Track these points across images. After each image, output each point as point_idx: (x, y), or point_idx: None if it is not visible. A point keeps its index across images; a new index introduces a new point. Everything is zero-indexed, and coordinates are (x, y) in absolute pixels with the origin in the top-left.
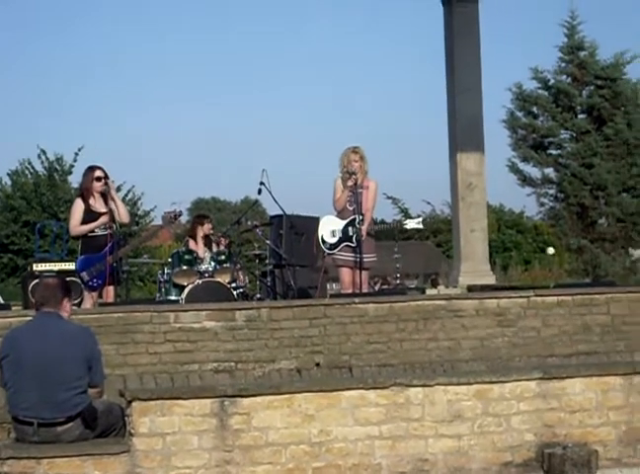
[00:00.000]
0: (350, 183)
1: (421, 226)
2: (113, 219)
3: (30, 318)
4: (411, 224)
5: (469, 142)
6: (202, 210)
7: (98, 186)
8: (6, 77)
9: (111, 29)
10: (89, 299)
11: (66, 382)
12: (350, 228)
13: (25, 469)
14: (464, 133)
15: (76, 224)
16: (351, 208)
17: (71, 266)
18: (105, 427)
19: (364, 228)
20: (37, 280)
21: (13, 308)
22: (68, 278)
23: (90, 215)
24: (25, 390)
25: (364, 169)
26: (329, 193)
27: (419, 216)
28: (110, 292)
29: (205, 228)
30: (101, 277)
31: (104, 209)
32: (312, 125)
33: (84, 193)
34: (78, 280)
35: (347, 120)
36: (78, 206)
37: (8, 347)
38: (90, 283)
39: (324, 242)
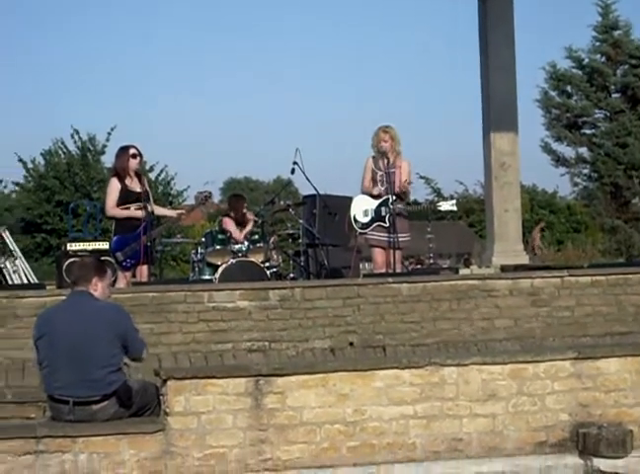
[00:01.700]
0: (382, 162)
1: (455, 208)
2: (146, 199)
3: (63, 297)
4: (445, 206)
5: (503, 122)
6: (236, 190)
7: (134, 163)
8: (39, 56)
9: (143, 5)
10: (122, 279)
11: (100, 360)
12: (383, 208)
13: (60, 448)
14: (498, 113)
15: (112, 205)
16: (383, 188)
17: (105, 245)
18: (140, 405)
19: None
20: (70, 260)
21: (47, 288)
22: (102, 258)
23: (127, 195)
24: (59, 369)
25: (396, 149)
26: (361, 172)
27: (452, 197)
28: (144, 272)
29: (241, 208)
30: (135, 257)
31: (139, 189)
32: (347, 105)
33: (120, 172)
34: (112, 260)
35: (381, 100)
36: (114, 186)
37: (42, 327)
38: (124, 263)
39: (356, 222)
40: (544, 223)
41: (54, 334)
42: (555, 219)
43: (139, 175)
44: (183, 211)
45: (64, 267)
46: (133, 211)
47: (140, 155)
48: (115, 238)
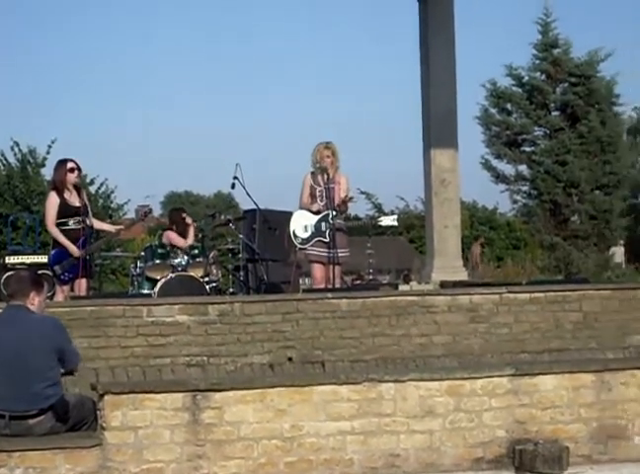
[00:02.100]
0: (321, 178)
1: (396, 223)
2: (85, 213)
3: (0, 310)
4: (386, 221)
5: (443, 138)
6: (176, 204)
7: (72, 177)
8: None
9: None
10: (60, 293)
11: (37, 374)
12: (323, 223)
13: None
14: (438, 129)
15: (52, 221)
16: (322, 203)
17: (44, 258)
18: (77, 420)
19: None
20: (8, 273)
21: None
22: (40, 272)
23: (66, 209)
24: None
25: (336, 164)
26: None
27: (393, 213)
28: (82, 285)
29: (184, 215)
30: (73, 271)
31: (78, 203)
32: (286, 119)
33: (58, 186)
34: (50, 274)
35: (320, 115)
36: (53, 201)
37: None
38: (62, 277)
39: (296, 237)
40: (483, 239)
41: None
42: (495, 236)
43: (78, 188)
44: (122, 227)
45: (2, 280)
46: (69, 244)
47: (79, 169)
48: (53, 251)
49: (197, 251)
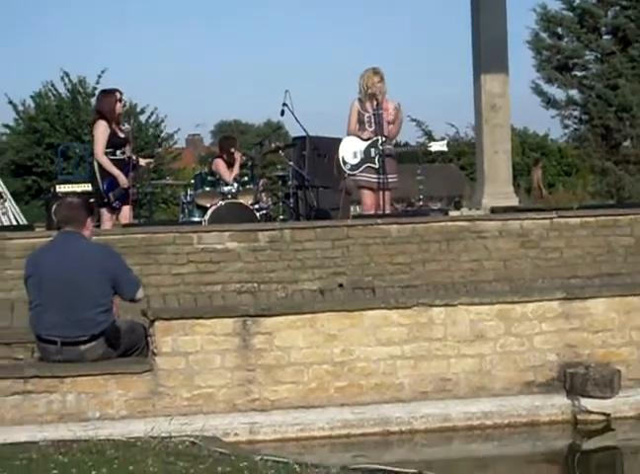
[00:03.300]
0: (369, 104)
1: (445, 149)
2: (128, 144)
3: (52, 238)
4: (435, 147)
5: (493, 63)
6: (226, 133)
7: (119, 108)
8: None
9: None
10: (109, 221)
11: (89, 301)
12: (372, 149)
13: (48, 388)
14: (488, 54)
15: (102, 151)
16: (371, 129)
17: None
18: (128, 346)
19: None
20: (58, 201)
21: (36, 229)
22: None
23: (114, 139)
24: (48, 309)
25: (384, 90)
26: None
27: (442, 139)
28: (127, 213)
29: (232, 149)
30: (121, 199)
31: (122, 134)
32: (335, 45)
33: (107, 116)
34: (96, 202)
35: (369, 41)
36: (104, 130)
37: (31, 267)
38: (114, 205)
39: (345, 163)
40: (542, 163)
41: (43, 274)
42: (546, 162)
43: (119, 120)
44: (151, 160)
45: (53, 209)
46: (119, 173)
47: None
48: (106, 180)
49: (246, 178)
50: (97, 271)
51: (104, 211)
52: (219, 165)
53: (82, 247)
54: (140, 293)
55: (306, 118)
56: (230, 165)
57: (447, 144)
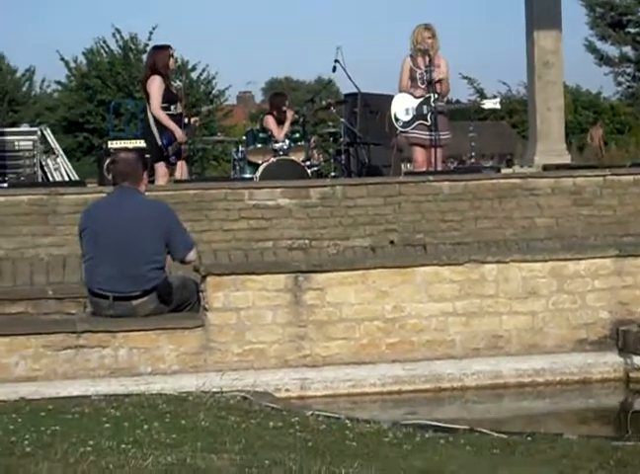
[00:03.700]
0: (422, 60)
1: (498, 106)
2: (181, 99)
3: (104, 195)
4: (488, 104)
5: (546, 20)
6: (277, 90)
7: (172, 63)
8: None
9: None
10: (163, 177)
11: (143, 257)
12: (424, 106)
13: (100, 342)
14: (541, 10)
15: (158, 105)
16: (423, 86)
17: (144, 143)
18: (179, 301)
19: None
20: (112, 157)
21: (88, 185)
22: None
23: (168, 95)
24: (102, 263)
25: (436, 47)
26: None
27: (495, 96)
28: (184, 169)
29: (283, 107)
30: (177, 154)
31: (174, 90)
32: (383, 3)
33: (161, 71)
34: (152, 158)
35: None
36: (159, 84)
37: (87, 220)
38: (171, 160)
39: (397, 120)
40: (601, 123)
41: (98, 228)
42: (599, 120)
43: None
44: (197, 118)
45: (105, 165)
46: (175, 127)
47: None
48: (164, 134)
49: (298, 135)
50: (152, 227)
51: (158, 167)
52: (269, 122)
53: (138, 203)
54: (192, 255)
55: (357, 75)
56: (280, 122)
57: (500, 102)
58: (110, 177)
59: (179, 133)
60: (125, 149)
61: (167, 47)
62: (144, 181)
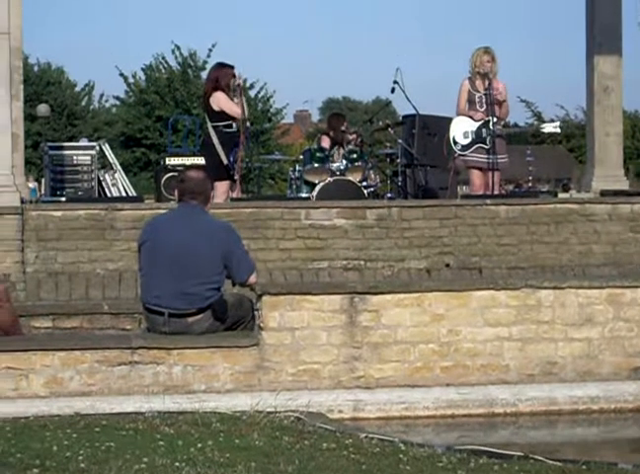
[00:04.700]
0: (481, 83)
1: (558, 130)
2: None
3: (163, 210)
4: (548, 128)
5: (607, 45)
6: (335, 110)
7: (233, 83)
8: None
9: None
10: (223, 194)
11: (200, 276)
12: (484, 129)
13: (155, 359)
14: (602, 36)
15: (232, 106)
16: (482, 109)
17: (202, 160)
18: (235, 319)
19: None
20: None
21: (146, 201)
22: None
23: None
24: (158, 279)
25: (495, 70)
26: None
27: (552, 120)
28: (237, 186)
29: (340, 127)
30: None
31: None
32: (444, 23)
33: (224, 88)
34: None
35: (479, 20)
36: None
37: (149, 233)
38: (235, 177)
39: (456, 143)
40: None
41: (159, 242)
42: None
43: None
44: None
45: (163, 181)
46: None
47: None
48: (231, 151)
49: (355, 155)
50: (214, 248)
51: (219, 185)
52: (323, 142)
53: (203, 222)
54: (252, 279)
55: (416, 97)
56: (336, 143)
57: (560, 125)
58: (175, 193)
59: (237, 110)
60: (195, 167)
61: (230, 67)
62: (211, 201)
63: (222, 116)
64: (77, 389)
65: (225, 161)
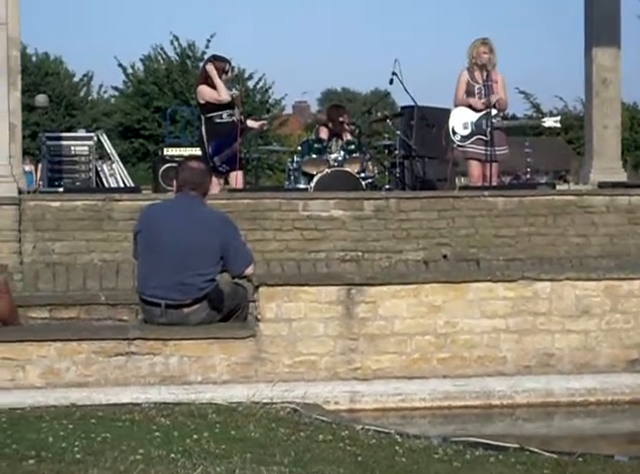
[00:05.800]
0: (479, 74)
1: (558, 125)
2: (236, 106)
3: (160, 200)
4: (549, 122)
5: (605, 36)
6: (334, 101)
7: (224, 76)
8: None
9: None
10: (217, 185)
11: (197, 268)
12: (484, 121)
13: (152, 350)
14: (601, 28)
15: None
16: (482, 101)
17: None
18: (230, 308)
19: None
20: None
21: (143, 191)
22: None
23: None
24: (155, 270)
25: (494, 61)
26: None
27: (552, 113)
28: (239, 178)
29: (339, 118)
30: (229, 163)
31: (231, 97)
32: (443, 15)
33: (208, 82)
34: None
35: (477, 11)
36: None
37: (144, 222)
38: (220, 169)
39: (455, 134)
40: None
41: (155, 232)
42: None
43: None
44: (265, 122)
45: (161, 171)
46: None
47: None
48: (212, 143)
49: (353, 146)
50: (212, 239)
51: None
52: (322, 133)
53: (201, 213)
54: (250, 270)
55: (414, 88)
56: (334, 134)
57: (560, 119)
58: (174, 183)
59: (221, 96)
60: (181, 156)
61: (223, 60)
62: (209, 192)
63: (210, 106)
64: (73, 380)
65: (207, 152)
